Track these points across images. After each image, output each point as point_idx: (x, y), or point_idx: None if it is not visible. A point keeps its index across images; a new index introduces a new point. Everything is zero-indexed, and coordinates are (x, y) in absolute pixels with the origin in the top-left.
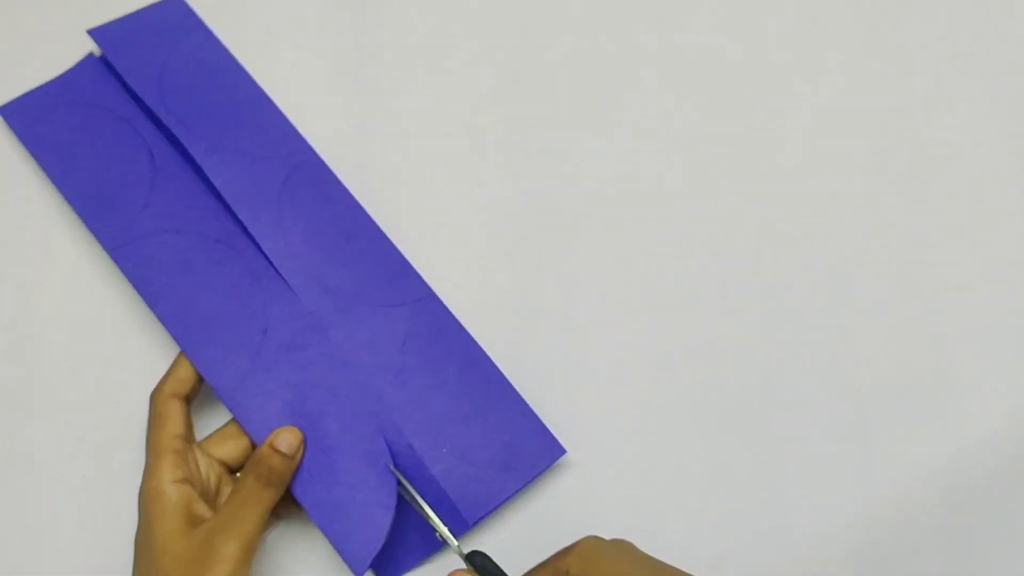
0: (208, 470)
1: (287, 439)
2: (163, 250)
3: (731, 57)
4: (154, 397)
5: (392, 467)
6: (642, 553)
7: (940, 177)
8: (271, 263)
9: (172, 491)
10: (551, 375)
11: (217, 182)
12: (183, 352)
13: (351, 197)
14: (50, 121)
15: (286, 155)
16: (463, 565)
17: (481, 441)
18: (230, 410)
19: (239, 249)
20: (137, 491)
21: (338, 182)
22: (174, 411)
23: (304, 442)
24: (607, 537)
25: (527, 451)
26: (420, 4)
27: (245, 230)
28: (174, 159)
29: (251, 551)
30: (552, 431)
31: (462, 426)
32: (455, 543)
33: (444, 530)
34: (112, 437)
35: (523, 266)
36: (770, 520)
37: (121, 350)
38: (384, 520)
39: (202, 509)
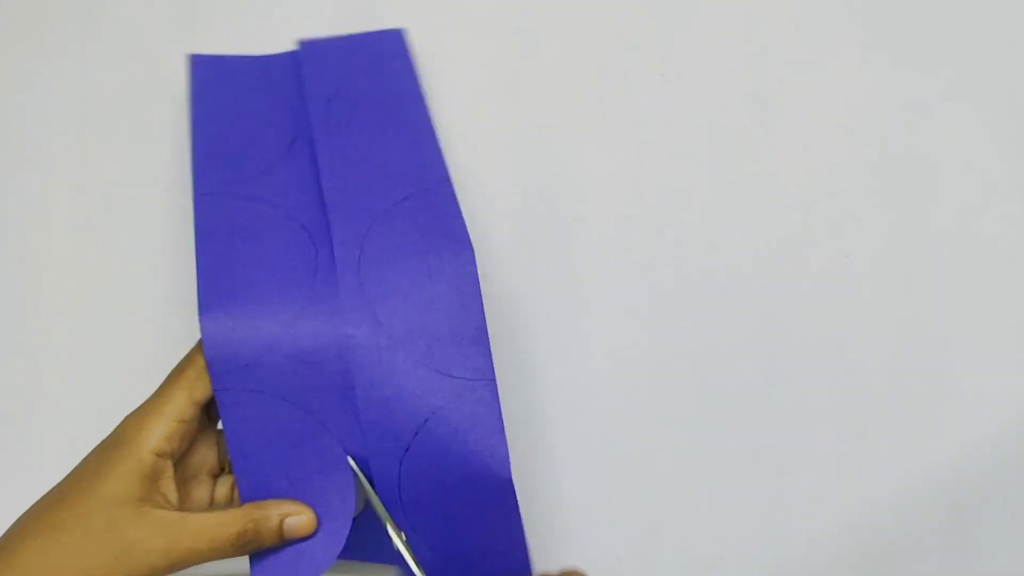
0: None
1: (305, 525)
2: (247, 214)
3: (731, 58)
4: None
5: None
6: None
7: (940, 177)
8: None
9: (148, 460)
10: (550, 374)
11: (328, 184)
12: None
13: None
14: (225, 87)
15: (419, 179)
16: None
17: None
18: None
19: (316, 239)
20: None
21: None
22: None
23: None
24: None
25: None
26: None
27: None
28: (308, 154)
29: None
30: (551, 433)
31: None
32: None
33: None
34: None
35: (523, 266)
36: (770, 521)
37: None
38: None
39: (167, 488)
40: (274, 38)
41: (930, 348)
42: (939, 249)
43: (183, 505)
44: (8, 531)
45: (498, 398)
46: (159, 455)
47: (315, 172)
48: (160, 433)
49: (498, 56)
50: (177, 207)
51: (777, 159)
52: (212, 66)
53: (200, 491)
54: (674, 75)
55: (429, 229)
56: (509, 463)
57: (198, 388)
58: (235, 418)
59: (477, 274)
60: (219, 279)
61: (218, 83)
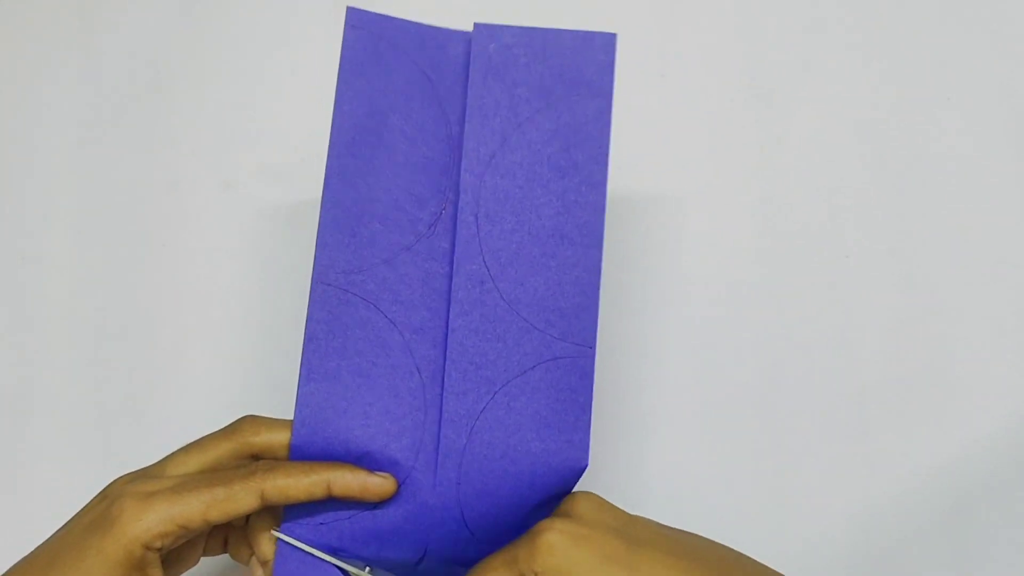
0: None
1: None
2: (363, 331)
3: (731, 59)
4: (244, 427)
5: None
6: (613, 542)
7: (940, 177)
8: (440, 435)
9: (138, 552)
10: None
11: (456, 322)
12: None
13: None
14: (384, 68)
15: (560, 337)
16: None
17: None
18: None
19: (427, 397)
20: None
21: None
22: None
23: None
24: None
25: None
26: None
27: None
28: (450, 236)
29: None
30: None
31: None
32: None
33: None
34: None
35: None
36: (771, 520)
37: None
38: None
39: (154, 573)
40: (278, 37)
41: (930, 348)
42: (939, 249)
43: (174, 570)
44: None
45: None
46: (149, 549)
47: (449, 276)
48: (157, 530)
49: None
50: (178, 207)
51: (777, 159)
52: (370, 33)
53: (191, 551)
54: (674, 75)
55: (549, 421)
56: None
57: (218, 510)
58: (289, 570)
59: (575, 485)
60: (318, 426)
61: (372, 61)
